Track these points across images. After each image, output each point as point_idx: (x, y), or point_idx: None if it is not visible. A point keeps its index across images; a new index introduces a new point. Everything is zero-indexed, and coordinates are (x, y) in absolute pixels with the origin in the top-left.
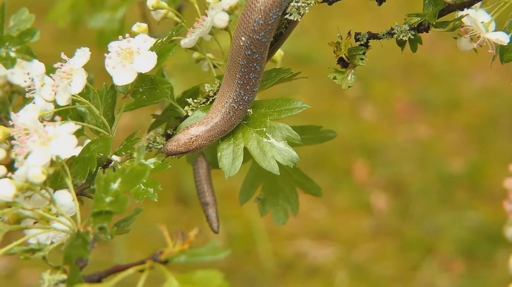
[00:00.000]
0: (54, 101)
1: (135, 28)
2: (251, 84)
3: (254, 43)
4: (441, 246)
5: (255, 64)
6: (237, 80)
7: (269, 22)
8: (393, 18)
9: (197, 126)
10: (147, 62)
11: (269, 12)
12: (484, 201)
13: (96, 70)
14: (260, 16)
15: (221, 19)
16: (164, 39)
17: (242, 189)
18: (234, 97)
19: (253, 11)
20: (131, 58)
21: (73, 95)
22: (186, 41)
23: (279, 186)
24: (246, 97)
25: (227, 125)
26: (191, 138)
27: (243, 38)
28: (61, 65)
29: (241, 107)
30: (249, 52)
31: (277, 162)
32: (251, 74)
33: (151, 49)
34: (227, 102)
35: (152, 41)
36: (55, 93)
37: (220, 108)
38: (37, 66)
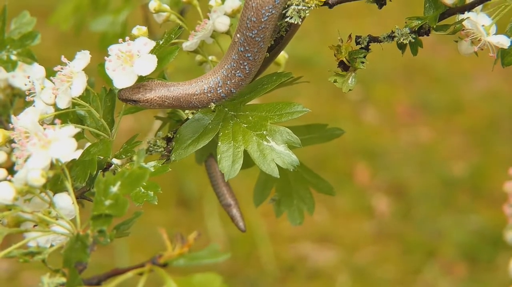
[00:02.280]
0: (54, 105)
1: (135, 31)
2: (233, 81)
3: (247, 41)
4: (443, 250)
5: (245, 63)
6: (223, 71)
7: (262, 20)
8: (394, 22)
9: (161, 84)
10: (147, 65)
11: (260, 9)
12: (486, 205)
13: (97, 73)
14: (252, 13)
15: (222, 23)
16: (162, 42)
17: (255, 190)
18: (211, 84)
19: (247, 9)
20: (131, 61)
21: (73, 98)
22: (188, 44)
23: (293, 186)
24: (220, 91)
25: (185, 102)
26: (146, 89)
27: (238, 35)
28: (62, 68)
29: (209, 95)
30: (242, 49)
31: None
32: (238, 71)
33: (151, 52)
34: (202, 82)
35: (152, 44)
36: (55, 96)
37: (192, 83)
38: (37, 70)
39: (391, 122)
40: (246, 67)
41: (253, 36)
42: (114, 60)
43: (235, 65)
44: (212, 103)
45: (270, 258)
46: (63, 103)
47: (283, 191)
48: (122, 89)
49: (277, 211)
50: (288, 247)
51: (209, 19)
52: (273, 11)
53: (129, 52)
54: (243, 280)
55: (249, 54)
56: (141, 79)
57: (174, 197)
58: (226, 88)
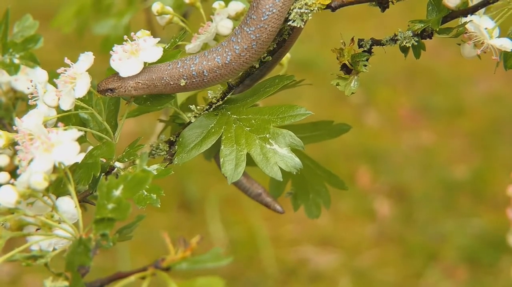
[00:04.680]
0: (57, 108)
1: (139, 34)
2: (209, 63)
3: (242, 34)
4: (444, 253)
5: (229, 53)
6: (206, 52)
7: (261, 19)
8: (396, 25)
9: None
10: (153, 53)
11: (261, 8)
12: (488, 208)
13: (100, 76)
14: (253, 12)
15: (225, 26)
16: (167, 46)
17: (271, 185)
18: (187, 60)
19: (249, 8)
20: (137, 53)
21: (76, 101)
22: (191, 47)
23: (307, 180)
24: (193, 67)
25: (157, 79)
26: (120, 76)
27: (236, 27)
28: (65, 70)
29: (180, 70)
30: (233, 39)
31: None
32: (218, 57)
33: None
34: (179, 59)
35: (156, 39)
36: (59, 99)
37: (168, 62)
38: (40, 73)
39: (393, 125)
40: (227, 57)
41: (249, 32)
42: (120, 52)
43: (220, 50)
44: (182, 80)
45: (271, 261)
46: (67, 105)
47: (299, 185)
48: (100, 82)
49: (294, 205)
50: (290, 250)
51: (212, 21)
52: (274, 10)
53: (135, 44)
54: (245, 283)
55: (237, 47)
56: None
57: (176, 200)
58: (199, 68)
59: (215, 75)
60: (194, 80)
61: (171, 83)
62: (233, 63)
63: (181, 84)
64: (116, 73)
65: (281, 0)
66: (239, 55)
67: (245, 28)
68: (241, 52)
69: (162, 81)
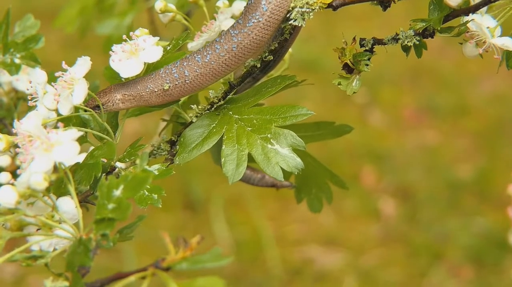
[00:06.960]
0: (57, 110)
1: (137, 32)
2: (189, 63)
3: (226, 35)
4: (449, 252)
5: (210, 52)
6: (188, 55)
7: (246, 25)
8: (401, 25)
9: (121, 83)
10: (153, 53)
11: (248, 15)
12: (492, 207)
13: (102, 76)
14: (241, 16)
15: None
16: (169, 48)
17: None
18: (169, 65)
19: (241, 13)
20: (137, 53)
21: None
22: (194, 45)
23: (310, 177)
24: (174, 70)
25: (142, 89)
26: (105, 92)
27: (225, 30)
28: (62, 74)
29: (163, 75)
30: (217, 39)
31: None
32: (198, 56)
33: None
34: (165, 67)
35: (156, 38)
36: (57, 102)
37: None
38: (39, 74)
39: (398, 125)
40: (207, 56)
41: (232, 34)
42: (120, 52)
43: (201, 49)
44: (165, 84)
45: (276, 261)
46: (65, 110)
47: (302, 180)
48: (87, 101)
49: (298, 198)
50: (294, 250)
51: (215, 20)
52: (260, 19)
53: (135, 44)
54: (249, 284)
55: (218, 46)
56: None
57: (181, 200)
58: (181, 69)
59: (196, 75)
60: (177, 83)
61: (156, 90)
62: (213, 63)
63: (165, 88)
64: (103, 90)
65: (269, 9)
66: (219, 54)
67: (230, 30)
68: (221, 52)
69: (147, 90)
